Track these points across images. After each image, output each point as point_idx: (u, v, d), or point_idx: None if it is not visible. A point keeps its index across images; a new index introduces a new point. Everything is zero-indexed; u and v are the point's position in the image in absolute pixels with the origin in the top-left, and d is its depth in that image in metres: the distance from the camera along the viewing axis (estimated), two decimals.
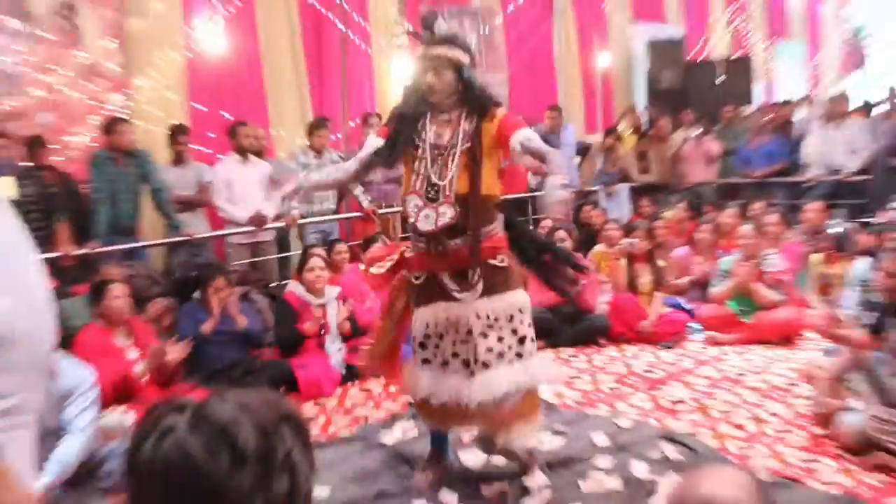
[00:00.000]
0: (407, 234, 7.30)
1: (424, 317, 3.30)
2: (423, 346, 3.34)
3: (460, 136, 3.20)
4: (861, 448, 3.49)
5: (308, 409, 4.72)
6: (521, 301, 3.28)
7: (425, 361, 3.34)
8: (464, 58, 3.24)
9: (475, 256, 3.16)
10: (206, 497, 0.97)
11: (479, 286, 3.20)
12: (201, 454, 0.97)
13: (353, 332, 5.35)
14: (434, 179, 3.17)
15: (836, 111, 8.36)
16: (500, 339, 3.22)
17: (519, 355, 3.24)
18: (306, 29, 7.88)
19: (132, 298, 4.58)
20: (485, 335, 3.20)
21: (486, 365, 3.19)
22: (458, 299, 3.22)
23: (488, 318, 3.21)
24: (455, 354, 3.27)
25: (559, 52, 10.58)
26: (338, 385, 5.09)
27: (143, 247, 6.02)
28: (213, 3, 7.17)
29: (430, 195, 3.17)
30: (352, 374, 5.20)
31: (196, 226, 6.29)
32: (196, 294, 5.16)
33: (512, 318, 3.24)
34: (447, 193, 3.14)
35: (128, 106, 6.66)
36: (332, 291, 5.39)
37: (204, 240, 6.31)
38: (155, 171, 6.00)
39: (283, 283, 6.19)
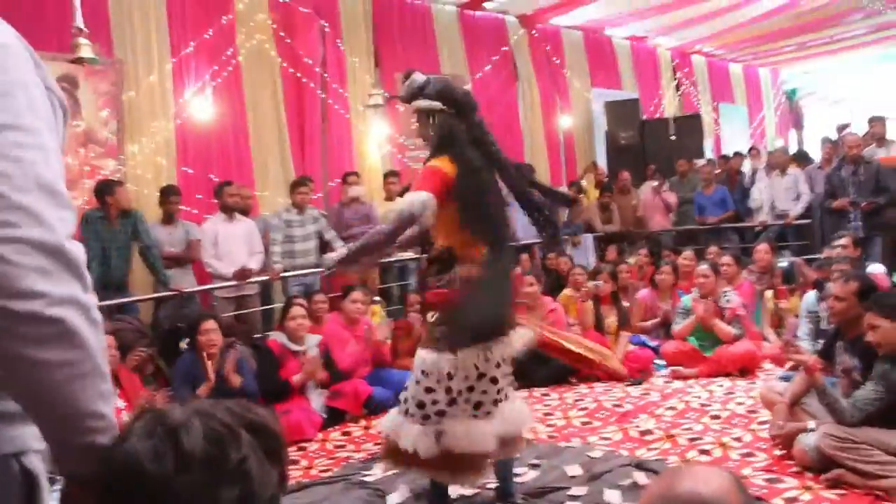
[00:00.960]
0: (386, 284, 7.37)
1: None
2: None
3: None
4: (819, 465, 3.40)
5: (290, 452, 4.56)
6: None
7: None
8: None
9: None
10: (150, 499, 0.91)
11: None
12: (147, 456, 0.91)
13: (333, 377, 5.21)
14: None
15: (778, 162, 8.53)
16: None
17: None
18: (289, 96, 7.90)
19: (118, 350, 4.43)
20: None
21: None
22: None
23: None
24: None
25: (524, 115, 10.68)
26: (319, 428, 4.93)
27: (133, 301, 5.88)
28: (204, 75, 7.17)
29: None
30: (333, 417, 5.05)
31: (184, 281, 6.18)
32: (184, 344, 5.00)
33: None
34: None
35: (119, 170, 6.59)
36: (313, 339, 5.26)
37: (192, 294, 6.19)
38: (146, 230, 5.91)
39: (267, 334, 6.05)
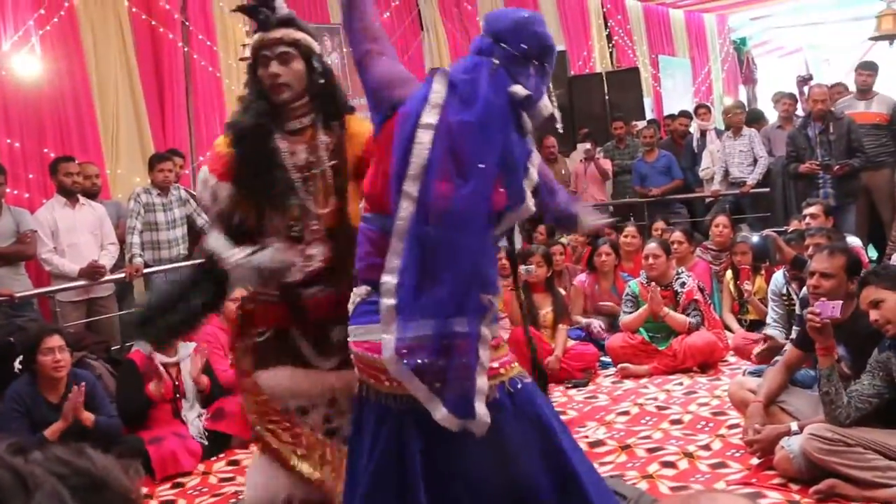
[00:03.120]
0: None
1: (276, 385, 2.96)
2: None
3: (320, 150, 2.89)
4: (807, 475, 3.42)
5: (164, 491, 4.33)
6: None
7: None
8: (314, 44, 2.95)
9: (342, 308, 2.56)
10: None
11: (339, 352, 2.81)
12: None
13: (213, 393, 4.99)
14: (297, 212, 2.85)
15: (732, 122, 8.68)
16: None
17: None
18: (142, 50, 7.51)
19: None
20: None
21: None
22: (314, 365, 2.92)
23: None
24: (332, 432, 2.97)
25: (430, 60, 10.55)
26: (199, 459, 4.71)
27: None
28: (27, 21, 6.70)
29: (293, 233, 2.85)
30: (215, 443, 4.83)
31: (16, 283, 5.78)
32: (18, 364, 4.65)
33: None
34: (314, 228, 2.85)
35: None
36: (187, 348, 5.02)
37: (27, 299, 5.81)
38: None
39: (128, 345, 5.75)
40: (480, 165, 2.15)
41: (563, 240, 7.70)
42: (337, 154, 2.87)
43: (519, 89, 2.24)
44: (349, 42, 2.60)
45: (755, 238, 6.23)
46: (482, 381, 2.22)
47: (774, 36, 17.38)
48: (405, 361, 2.16)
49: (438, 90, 2.26)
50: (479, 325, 2.23)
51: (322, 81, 2.91)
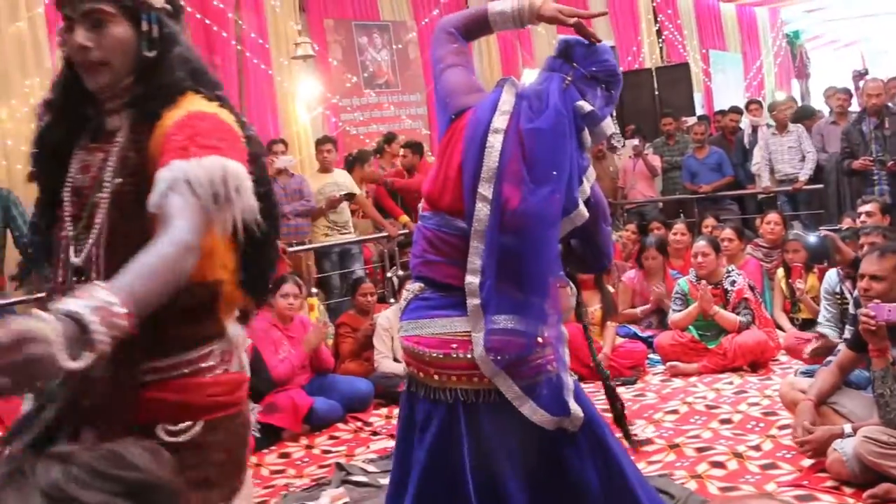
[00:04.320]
0: (325, 273, 7.23)
1: None
2: None
3: (112, 163, 1.77)
4: (861, 478, 3.36)
5: None
6: None
7: None
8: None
9: (120, 414, 1.70)
10: None
11: None
12: None
13: (264, 387, 5.06)
14: (73, 258, 1.79)
15: (778, 118, 8.58)
16: None
17: None
18: (196, 47, 7.62)
19: None
20: None
21: None
22: None
23: None
24: None
25: (481, 68, 10.56)
26: (252, 451, 4.77)
27: (10, 304, 5.61)
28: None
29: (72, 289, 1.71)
30: (267, 436, 4.90)
31: None
32: None
33: None
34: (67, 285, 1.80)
35: None
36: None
37: None
38: (21, 214, 5.65)
39: None
40: (554, 172, 2.20)
41: (613, 236, 7.65)
42: (134, 165, 1.75)
43: (584, 104, 2.30)
44: (435, 44, 2.58)
45: (812, 238, 6.13)
46: (567, 378, 2.29)
47: (829, 29, 17.05)
48: (496, 358, 2.21)
49: (507, 98, 2.33)
50: (560, 322, 2.28)
51: (152, 54, 1.78)
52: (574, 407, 2.25)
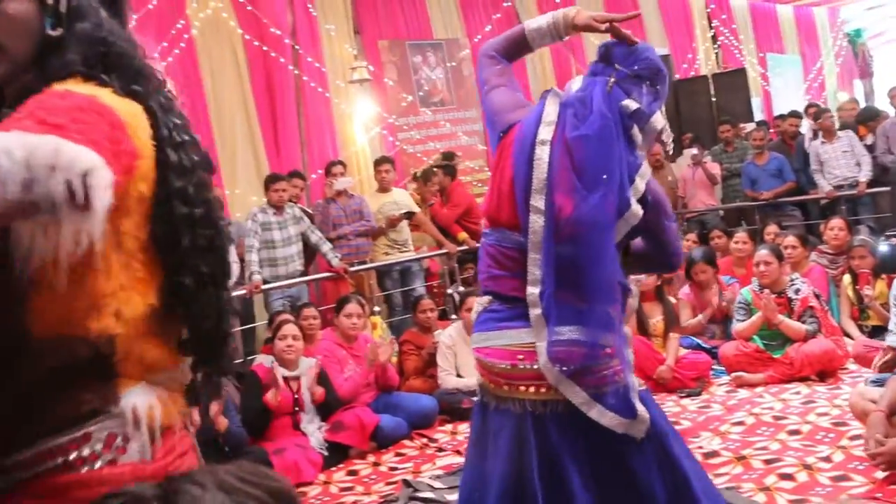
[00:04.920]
0: (386, 291, 7.30)
1: None
2: None
3: None
4: None
5: None
6: None
7: None
8: None
9: None
10: None
11: None
12: None
13: (330, 405, 5.14)
14: None
15: (824, 126, 8.49)
16: None
17: None
18: (255, 74, 7.81)
19: None
20: None
21: None
22: None
23: None
24: None
25: (535, 82, 10.59)
26: (320, 469, 4.86)
27: None
28: (151, 54, 7.05)
29: None
30: (335, 454, 4.98)
31: None
32: None
33: None
34: None
35: None
36: (307, 363, 5.18)
37: None
38: None
39: (250, 358, 5.98)
40: (604, 176, 2.23)
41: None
42: None
43: (629, 103, 2.30)
44: (479, 69, 2.63)
45: (884, 247, 6.02)
46: (633, 380, 2.33)
47: (892, 25, 16.66)
48: (560, 368, 2.25)
49: (551, 109, 2.36)
50: (623, 326, 2.33)
51: (56, 33, 1.38)
52: (640, 409, 2.27)
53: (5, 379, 1.17)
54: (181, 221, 1.36)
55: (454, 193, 7.84)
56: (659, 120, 2.37)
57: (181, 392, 1.45)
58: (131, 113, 1.32)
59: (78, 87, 1.29)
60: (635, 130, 2.33)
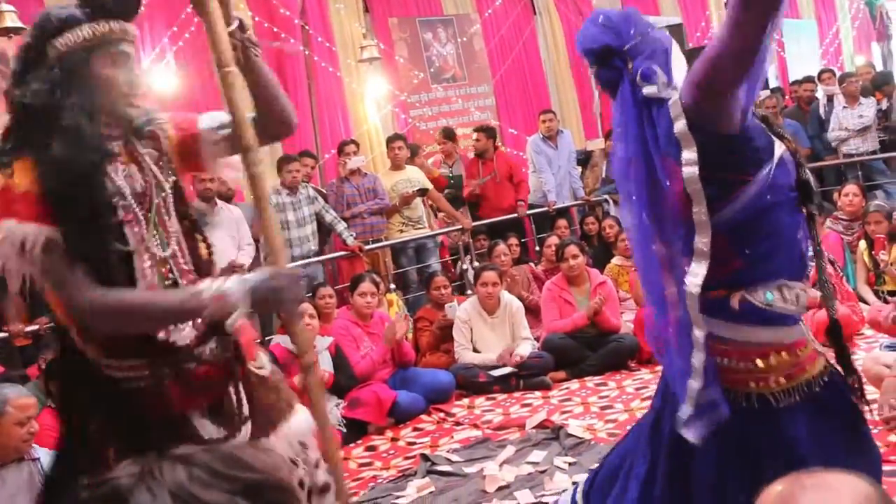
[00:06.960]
0: (402, 269, 7.33)
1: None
2: None
3: (153, 165, 2.13)
4: None
5: None
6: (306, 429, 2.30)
7: None
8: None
9: (236, 368, 2.17)
10: None
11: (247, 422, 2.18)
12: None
13: (347, 382, 5.19)
14: (161, 252, 2.08)
15: (853, 90, 8.38)
16: None
17: None
18: (265, 55, 7.70)
19: None
20: None
21: None
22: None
23: None
24: None
25: (546, 55, 10.55)
26: (339, 446, 4.91)
27: None
28: (161, 39, 7.10)
29: (166, 283, 2.09)
30: (353, 430, 5.03)
31: None
32: None
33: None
34: (185, 268, 2.15)
35: None
36: (323, 342, 5.23)
37: None
38: None
39: (267, 339, 6.03)
40: (633, 198, 2.14)
41: None
42: (171, 163, 2.19)
43: (649, 88, 2.03)
44: None
45: None
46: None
47: None
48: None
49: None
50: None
51: None
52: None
53: None
54: None
55: (496, 160, 7.91)
56: (680, 68, 2.10)
57: None
58: None
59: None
60: (672, 100, 1.99)
